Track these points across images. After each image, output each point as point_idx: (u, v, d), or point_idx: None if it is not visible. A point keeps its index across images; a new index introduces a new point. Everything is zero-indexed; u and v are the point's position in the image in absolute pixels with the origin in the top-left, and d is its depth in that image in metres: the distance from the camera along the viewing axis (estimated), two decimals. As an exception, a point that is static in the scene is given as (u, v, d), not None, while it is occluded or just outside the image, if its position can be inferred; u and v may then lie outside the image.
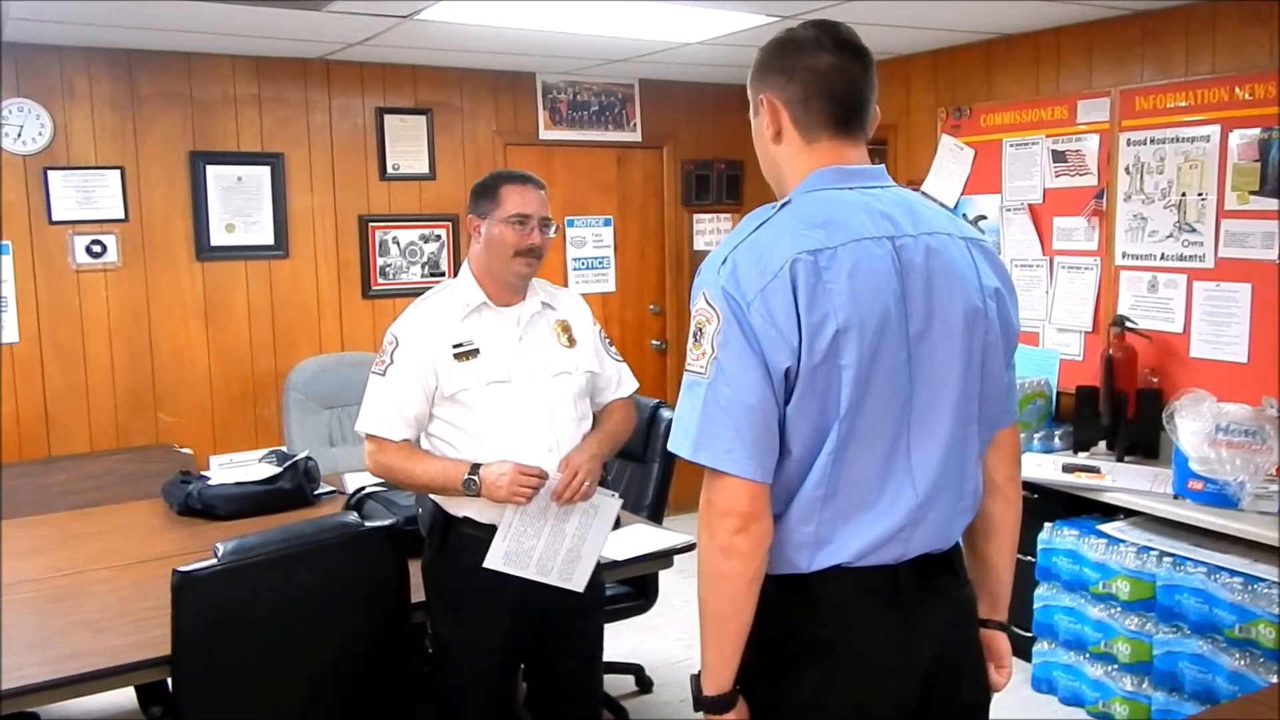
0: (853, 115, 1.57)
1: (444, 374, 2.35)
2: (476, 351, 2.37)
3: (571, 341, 2.49)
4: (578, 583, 2.39)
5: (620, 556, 2.83)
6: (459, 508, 2.38)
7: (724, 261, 1.49)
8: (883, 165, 1.63)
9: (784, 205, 1.54)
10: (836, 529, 1.51)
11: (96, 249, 4.38)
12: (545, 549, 2.34)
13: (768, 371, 1.44)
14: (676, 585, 4.27)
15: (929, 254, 1.52)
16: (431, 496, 2.43)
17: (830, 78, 1.55)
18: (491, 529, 2.33)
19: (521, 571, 2.33)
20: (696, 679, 1.56)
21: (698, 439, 1.47)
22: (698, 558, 1.52)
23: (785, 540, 1.51)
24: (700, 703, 1.55)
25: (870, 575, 1.53)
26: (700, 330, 1.49)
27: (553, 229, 2.45)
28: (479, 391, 2.35)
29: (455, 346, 2.36)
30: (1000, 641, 1.76)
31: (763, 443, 1.45)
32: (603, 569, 2.60)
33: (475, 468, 2.29)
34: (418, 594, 2.52)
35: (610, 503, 2.41)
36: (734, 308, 1.45)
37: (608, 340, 2.62)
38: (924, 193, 4.74)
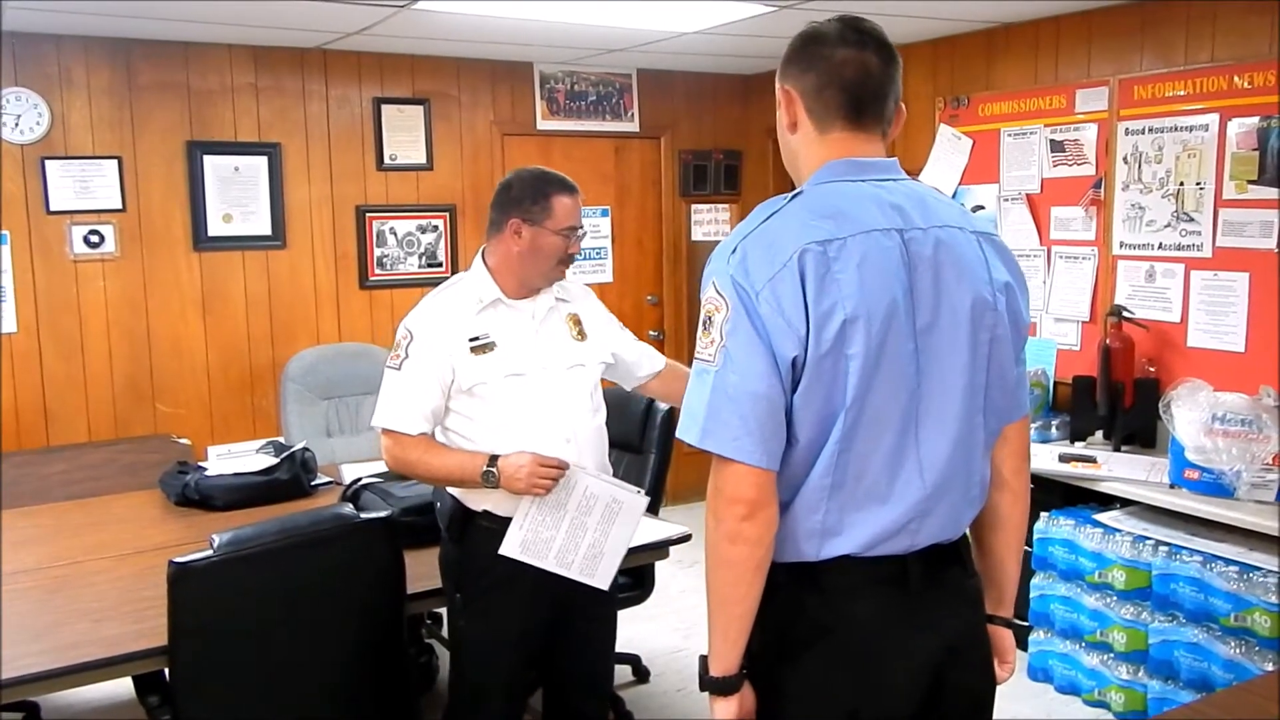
0: (866, 107, 1.58)
1: (461, 367, 2.35)
2: (493, 345, 2.37)
3: (583, 335, 2.51)
4: (601, 579, 2.38)
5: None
6: (478, 501, 2.38)
7: (734, 250, 1.51)
8: (895, 159, 1.63)
9: (795, 196, 1.56)
10: (844, 518, 1.52)
11: (94, 239, 4.37)
12: (565, 541, 2.34)
13: (775, 360, 1.45)
14: (673, 576, 4.28)
15: (938, 247, 1.54)
16: (450, 491, 2.43)
17: (844, 69, 1.56)
18: (510, 522, 2.34)
19: (540, 562, 2.33)
20: (704, 659, 1.57)
21: (705, 426, 1.48)
22: (705, 543, 1.53)
23: (794, 528, 1.53)
24: (705, 683, 1.57)
25: (879, 566, 1.54)
26: (710, 318, 1.51)
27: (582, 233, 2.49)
28: (496, 384, 2.35)
29: (472, 340, 2.36)
30: (1005, 638, 1.77)
31: (769, 430, 1.46)
32: None
33: (494, 459, 2.29)
34: (414, 585, 2.52)
35: (635, 500, 2.39)
36: (743, 297, 1.46)
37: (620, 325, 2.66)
38: (921, 182, 4.73)
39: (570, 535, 2.34)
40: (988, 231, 1.64)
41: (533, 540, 2.32)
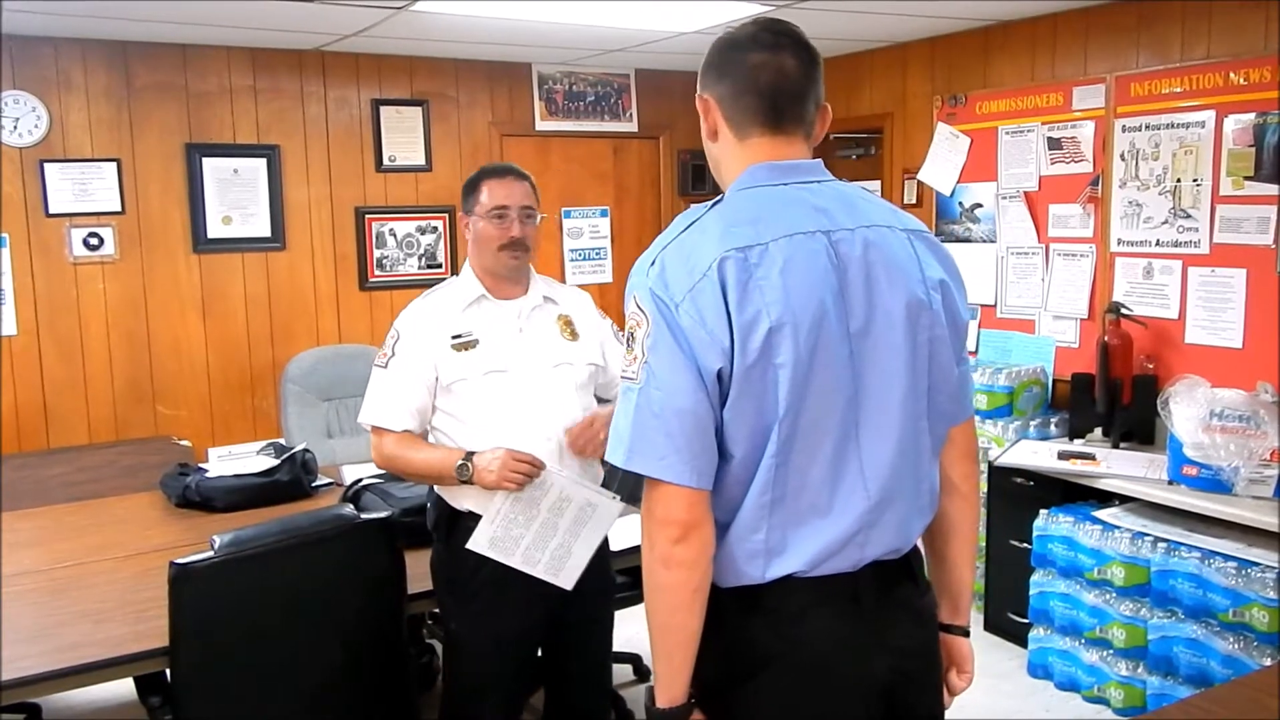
0: (784, 111, 1.53)
1: (443, 365, 2.37)
2: (475, 342, 2.39)
3: (574, 335, 2.51)
4: (566, 580, 2.37)
5: (616, 546, 2.83)
6: (462, 501, 2.39)
7: (653, 263, 1.46)
8: (819, 160, 1.58)
9: (715, 204, 1.52)
10: (788, 535, 1.46)
11: (94, 241, 4.38)
12: (534, 540, 2.33)
13: (700, 374, 1.40)
14: (674, 574, 4.27)
15: (867, 247, 1.48)
16: (437, 491, 2.45)
17: (758, 73, 1.51)
18: None
19: (507, 559, 2.32)
20: (651, 691, 1.51)
21: (631, 446, 1.42)
22: (642, 568, 1.48)
23: (735, 550, 1.47)
24: (653, 715, 1.50)
25: (828, 584, 1.49)
26: (632, 335, 1.45)
27: (536, 219, 2.46)
28: (476, 381, 2.37)
29: (454, 338, 2.39)
30: (963, 648, 1.73)
31: (698, 447, 1.41)
32: (614, 556, 2.61)
33: (469, 455, 2.30)
34: (414, 585, 2.53)
35: (609, 505, 2.39)
36: (663, 310, 1.42)
37: (621, 335, 2.63)
38: (920, 180, 4.75)
39: (539, 535, 2.33)
40: (918, 229, 1.59)
41: (502, 537, 2.31)
